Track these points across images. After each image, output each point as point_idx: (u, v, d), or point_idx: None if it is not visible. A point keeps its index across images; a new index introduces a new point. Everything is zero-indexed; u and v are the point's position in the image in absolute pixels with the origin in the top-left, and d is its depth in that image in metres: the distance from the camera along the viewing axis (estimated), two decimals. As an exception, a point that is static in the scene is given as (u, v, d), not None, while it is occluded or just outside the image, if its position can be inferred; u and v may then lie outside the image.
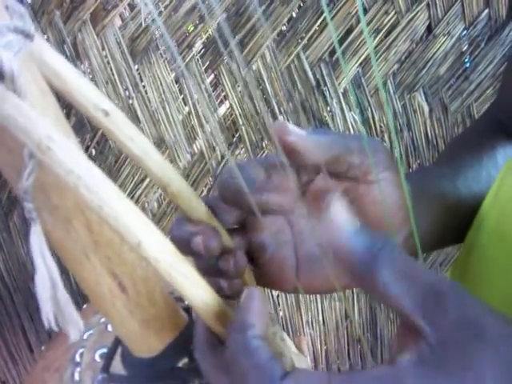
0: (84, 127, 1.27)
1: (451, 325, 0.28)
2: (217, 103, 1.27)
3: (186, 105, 1.27)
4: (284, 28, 1.22)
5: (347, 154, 0.40)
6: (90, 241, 0.32)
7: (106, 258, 0.33)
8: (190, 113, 1.27)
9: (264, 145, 1.28)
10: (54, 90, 0.32)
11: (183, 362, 0.41)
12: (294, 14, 1.21)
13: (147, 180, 1.30)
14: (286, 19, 1.20)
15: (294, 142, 0.38)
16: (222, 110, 1.28)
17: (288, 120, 1.25)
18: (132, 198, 1.31)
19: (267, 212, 0.39)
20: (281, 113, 1.25)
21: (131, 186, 1.31)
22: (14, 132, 0.26)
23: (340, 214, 0.33)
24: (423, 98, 1.25)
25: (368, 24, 1.20)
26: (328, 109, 1.25)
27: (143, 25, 1.20)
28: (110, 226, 0.28)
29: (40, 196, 0.30)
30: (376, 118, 1.25)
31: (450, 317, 0.28)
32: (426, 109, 1.25)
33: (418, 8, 1.19)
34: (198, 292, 0.31)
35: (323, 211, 0.40)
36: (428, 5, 1.18)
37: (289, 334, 1.44)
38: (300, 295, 1.41)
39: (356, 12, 1.19)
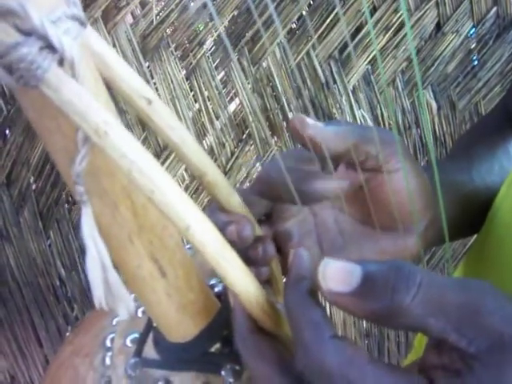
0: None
1: (490, 345, 0.27)
2: (227, 100, 1.28)
3: (196, 102, 1.28)
4: (294, 26, 1.23)
5: (365, 143, 0.40)
6: (134, 225, 0.33)
7: (148, 242, 0.34)
8: (200, 110, 1.28)
9: (273, 142, 1.29)
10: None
11: (215, 347, 0.42)
12: (304, 12, 1.22)
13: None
14: (295, 17, 1.21)
15: (312, 135, 0.39)
16: (232, 106, 1.29)
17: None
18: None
19: (315, 200, 0.41)
20: (290, 110, 1.26)
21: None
22: (72, 117, 0.26)
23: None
24: (431, 95, 1.26)
25: (377, 22, 1.21)
26: (337, 106, 1.26)
27: (154, 22, 1.21)
28: (160, 210, 0.29)
29: (90, 180, 0.31)
30: (385, 115, 1.27)
31: (489, 337, 0.27)
32: (435, 106, 1.26)
33: (427, 6, 1.20)
34: (242, 278, 0.32)
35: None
36: (437, 3, 1.19)
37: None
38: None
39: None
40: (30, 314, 1.45)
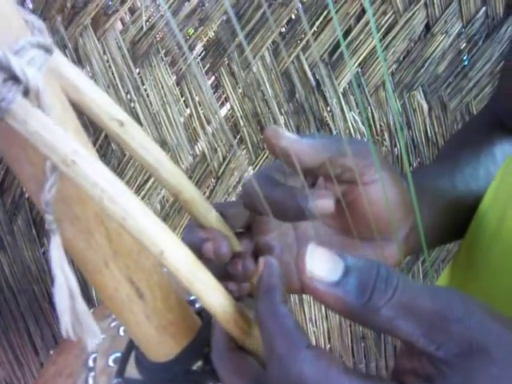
0: (87, 131, 1.28)
1: (459, 351, 0.27)
2: (218, 105, 1.28)
3: (187, 107, 1.28)
4: (283, 29, 1.23)
5: (340, 157, 0.40)
6: (109, 250, 0.33)
7: (124, 265, 0.34)
8: (191, 115, 1.28)
9: (265, 146, 1.29)
10: (70, 101, 0.32)
11: (197, 365, 0.42)
12: (293, 16, 1.22)
13: (150, 182, 1.31)
14: (285, 21, 1.21)
15: (286, 147, 0.39)
16: (223, 111, 1.29)
17: (289, 121, 1.26)
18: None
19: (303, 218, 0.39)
20: (281, 114, 1.26)
21: (134, 189, 1.31)
22: (40, 148, 0.26)
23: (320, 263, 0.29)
24: (422, 96, 1.26)
25: (366, 25, 1.21)
26: (328, 109, 1.26)
27: (144, 29, 1.21)
28: (133, 236, 0.29)
29: (61, 207, 0.31)
30: (376, 117, 1.26)
31: (458, 343, 0.27)
32: (426, 107, 1.26)
33: (416, 7, 1.20)
34: (217, 298, 0.32)
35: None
36: (426, 4, 1.20)
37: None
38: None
39: (355, 12, 1.20)
40: (25, 322, 1.45)
